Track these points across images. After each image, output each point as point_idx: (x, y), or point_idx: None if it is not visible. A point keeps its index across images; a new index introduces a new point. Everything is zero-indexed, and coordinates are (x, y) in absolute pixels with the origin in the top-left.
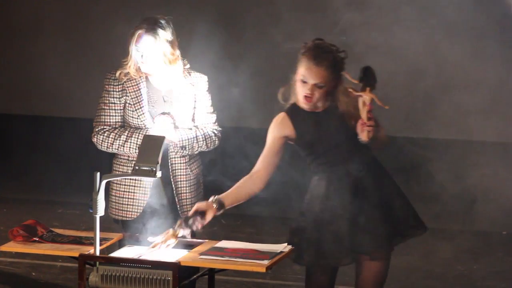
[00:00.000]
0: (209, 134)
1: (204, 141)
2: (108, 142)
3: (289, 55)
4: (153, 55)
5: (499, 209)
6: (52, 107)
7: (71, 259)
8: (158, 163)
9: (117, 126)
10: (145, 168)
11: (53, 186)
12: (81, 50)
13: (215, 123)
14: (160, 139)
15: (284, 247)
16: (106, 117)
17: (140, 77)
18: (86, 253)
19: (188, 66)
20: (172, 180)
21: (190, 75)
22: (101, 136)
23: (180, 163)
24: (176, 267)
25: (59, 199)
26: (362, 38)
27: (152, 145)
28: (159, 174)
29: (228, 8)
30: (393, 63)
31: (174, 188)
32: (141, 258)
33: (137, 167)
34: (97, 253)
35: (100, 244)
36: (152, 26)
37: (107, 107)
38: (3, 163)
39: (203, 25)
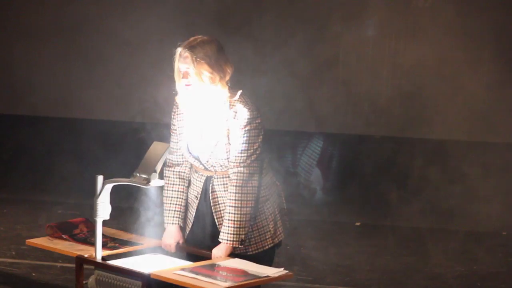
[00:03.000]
0: (243, 192)
1: (246, 206)
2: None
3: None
4: (190, 72)
5: (499, 209)
6: (52, 107)
7: (71, 260)
8: (154, 172)
9: (179, 152)
10: (142, 176)
11: (53, 186)
12: (78, 52)
13: (242, 163)
14: (163, 147)
15: (276, 272)
16: (171, 143)
17: (188, 104)
18: (86, 255)
19: (237, 97)
20: (215, 216)
21: (232, 107)
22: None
23: (223, 196)
24: (145, 279)
25: (59, 200)
26: (357, 43)
27: (155, 153)
28: (154, 183)
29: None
30: (391, 66)
31: (217, 224)
32: (120, 265)
33: (136, 174)
34: (98, 257)
35: (121, 247)
36: (191, 44)
37: (172, 133)
38: (3, 163)
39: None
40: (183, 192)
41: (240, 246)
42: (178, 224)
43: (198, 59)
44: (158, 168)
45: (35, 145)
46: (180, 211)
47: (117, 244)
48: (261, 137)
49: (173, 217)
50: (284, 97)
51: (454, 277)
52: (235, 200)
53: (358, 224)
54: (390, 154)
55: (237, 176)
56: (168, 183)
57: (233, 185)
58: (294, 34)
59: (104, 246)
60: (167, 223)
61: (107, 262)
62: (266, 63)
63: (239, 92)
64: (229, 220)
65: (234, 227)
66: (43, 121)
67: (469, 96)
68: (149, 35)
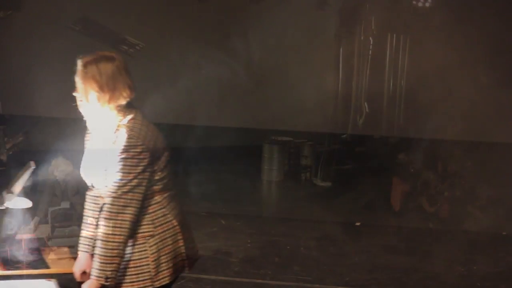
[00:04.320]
0: (109, 225)
1: (114, 241)
2: None
3: None
4: (79, 87)
5: (498, 209)
6: (52, 108)
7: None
8: (10, 192)
9: None
10: (4, 195)
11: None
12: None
13: (113, 193)
14: (26, 168)
15: None
16: None
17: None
18: None
19: (124, 121)
20: None
21: (117, 131)
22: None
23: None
24: None
25: (59, 200)
26: (356, 44)
27: (20, 174)
28: (9, 205)
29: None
30: (390, 67)
31: None
32: None
33: (3, 192)
34: None
35: (23, 269)
36: (87, 59)
37: None
38: (3, 163)
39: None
40: (97, 218)
41: (106, 282)
42: (87, 252)
43: (87, 74)
44: (16, 189)
45: (36, 145)
46: (91, 238)
47: (23, 266)
48: (140, 168)
49: (83, 244)
50: (284, 98)
51: (454, 277)
52: (102, 233)
53: (358, 224)
54: (390, 154)
55: (106, 207)
56: (84, 208)
57: (102, 217)
58: (293, 34)
59: (9, 265)
60: (78, 250)
61: None
62: (266, 64)
63: (129, 116)
64: (96, 254)
65: (99, 262)
66: (43, 121)
67: (467, 97)
68: (147, 35)
